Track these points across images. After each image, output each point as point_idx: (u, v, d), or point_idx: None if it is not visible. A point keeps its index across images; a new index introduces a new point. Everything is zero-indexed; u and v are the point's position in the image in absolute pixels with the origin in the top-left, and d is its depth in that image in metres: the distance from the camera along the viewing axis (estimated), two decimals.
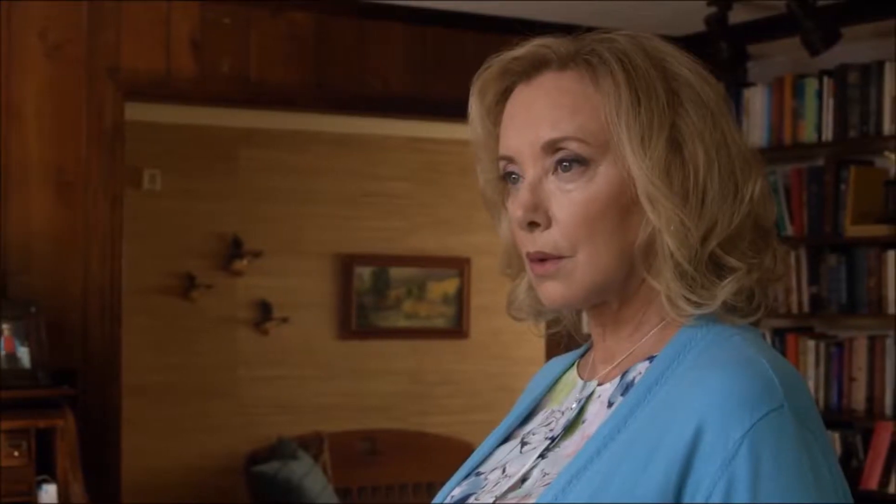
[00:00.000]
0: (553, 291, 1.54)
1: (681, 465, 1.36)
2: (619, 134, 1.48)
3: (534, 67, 1.58)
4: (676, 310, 1.49)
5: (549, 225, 1.51)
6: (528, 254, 1.54)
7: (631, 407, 1.46)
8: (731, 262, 1.48)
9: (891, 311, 5.62)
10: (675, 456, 1.36)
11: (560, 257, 1.51)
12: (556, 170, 1.51)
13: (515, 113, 1.56)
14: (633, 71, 1.51)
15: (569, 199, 1.50)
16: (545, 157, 1.52)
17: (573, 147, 1.50)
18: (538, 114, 1.53)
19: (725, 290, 1.47)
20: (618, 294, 1.54)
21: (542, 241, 1.52)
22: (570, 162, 1.50)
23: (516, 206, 1.53)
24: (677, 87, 1.51)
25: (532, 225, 1.52)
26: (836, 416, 5.81)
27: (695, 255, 1.47)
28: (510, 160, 1.55)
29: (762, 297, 1.51)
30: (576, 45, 1.58)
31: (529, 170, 1.53)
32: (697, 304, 1.48)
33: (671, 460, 1.36)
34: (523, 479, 1.54)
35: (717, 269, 1.48)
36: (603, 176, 1.49)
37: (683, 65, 1.53)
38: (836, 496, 1.38)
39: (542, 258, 1.52)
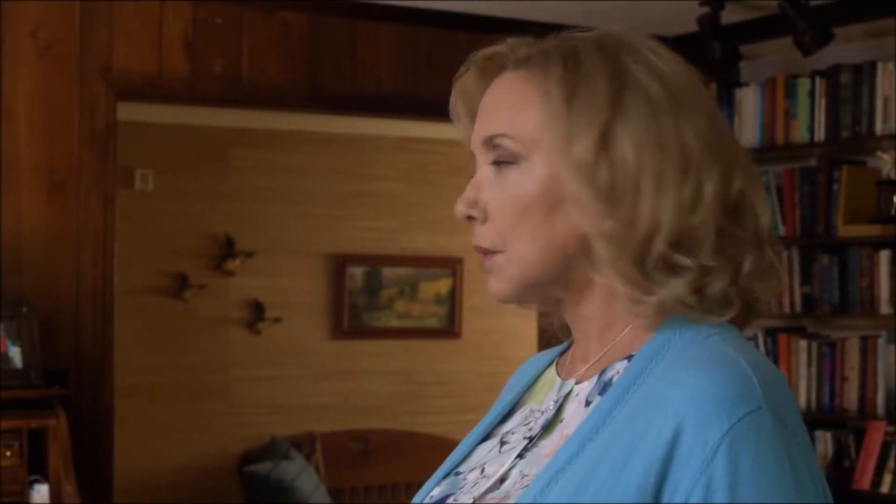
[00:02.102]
0: (491, 286, 1.58)
1: (659, 466, 1.36)
2: (546, 132, 1.49)
3: (499, 66, 1.59)
4: (622, 307, 1.49)
5: (485, 220, 1.55)
6: (474, 247, 1.58)
7: (609, 407, 1.45)
8: (682, 261, 1.46)
9: (883, 310, 5.63)
10: (653, 457, 1.36)
11: (494, 252, 1.55)
12: (494, 165, 1.54)
13: (479, 110, 1.58)
14: (574, 70, 1.51)
15: (499, 194, 1.53)
16: (487, 153, 1.55)
17: (504, 143, 1.52)
18: (485, 111, 1.56)
19: (669, 289, 1.46)
20: (564, 289, 1.55)
21: (479, 235, 1.57)
22: (504, 158, 1.52)
23: (457, 201, 1.56)
24: (622, 85, 1.49)
25: (470, 219, 1.56)
26: (828, 416, 5.82)
27: (634, 254, 1.46)
28: (472, 155, 1.58)
29: (740, 296, 1.49)
30: (536, 46, 1.59)
31: (480, 166, 1.56)
32: (637, 302, 1.47)
33: (650, 461, 1.36)
34: (502, 480, 1.54)
35: (670, 269, 1.46)
36: (530, 173, 1.50)
37: (641, 61, 1.52)
38: (817, 497, 1.38)
39: (482, 252, 1.57)
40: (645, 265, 1.46)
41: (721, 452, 1.34)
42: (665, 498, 1.36)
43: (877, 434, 5.59)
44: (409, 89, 5.87)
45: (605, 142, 1.47)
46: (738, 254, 1.49)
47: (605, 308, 1.54)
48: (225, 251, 8.88)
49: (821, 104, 5.84)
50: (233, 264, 8.88)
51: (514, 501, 1.46)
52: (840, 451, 5.76)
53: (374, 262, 9.55)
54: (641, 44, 1.55)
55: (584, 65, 1.51)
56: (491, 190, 1.54)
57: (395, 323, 9.68)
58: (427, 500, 1.62)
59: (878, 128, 5.61)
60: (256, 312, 8.90)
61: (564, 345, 1.72)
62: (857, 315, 5.79)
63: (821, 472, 1.41)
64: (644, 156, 1.47)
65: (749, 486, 1.34)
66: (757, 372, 1.39)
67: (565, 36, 1.60)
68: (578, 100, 1.48)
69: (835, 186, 5.81)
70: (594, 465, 1.40)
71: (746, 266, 1.49)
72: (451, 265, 9.78)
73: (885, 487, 5.55)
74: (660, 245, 1.46)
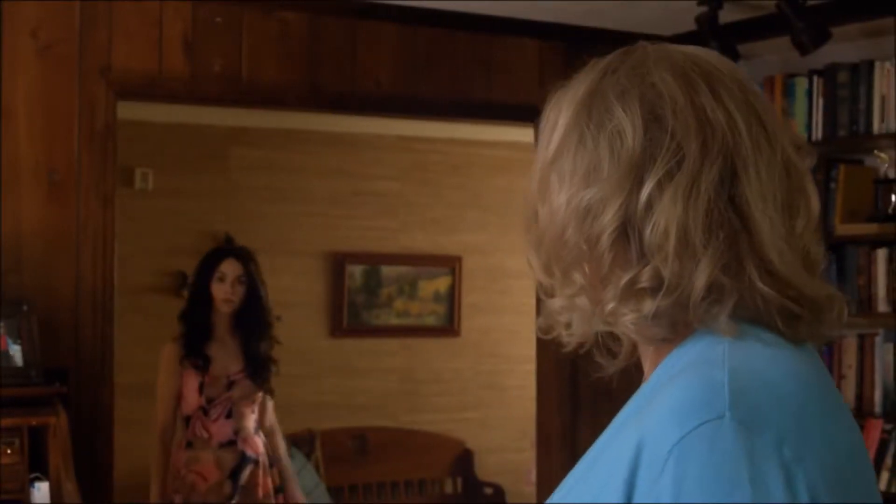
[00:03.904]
0: None
1: (627, 481, 1.33)
2: None
3: None
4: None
5: None
6: None
7: (620, 420, 1.46)
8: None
9: (880, 309, 5.65)
10: (623, 472, 1.34)
11: None
12: None
13: None
14: (546, 120, 1.56)
15: None
16: None
17: None
18: None
19: (624, 317, 1.46)
20: None
21: None
22: None
23: None
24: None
25: None
26: None
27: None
28: None
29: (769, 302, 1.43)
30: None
31: None
32: (608, 325, 1.50)
33: (622, 477, 1.34)
34: None
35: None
36: None
37: (569, 100, 1.56)
38: None
39: None
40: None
41: (669, 465, 1.29)
42: None
43: (874, 432, 5.61)
44: (409, 89, 5.89)
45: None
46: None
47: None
48: None
49: (818, 103, 5.85)
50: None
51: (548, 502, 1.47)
52: None
53: (374, 261, 9.57)
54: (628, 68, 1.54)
55: (548, 115, 1.59)
56: None
57: (394, 321, 9.70)
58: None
59: (876, 127, 5.62)
60: None
61: None
62: (854, 314, 5.80)
63: (818, 479, 1.31)
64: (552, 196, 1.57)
65: (693, 496, 1.27)
66: (737, 379, 1.33)
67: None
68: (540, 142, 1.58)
69: (832, 185, 5.82)
70: (585, 473, 1.42)
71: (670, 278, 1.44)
72: (450, 264, 9.79)
73: (882, 485, 5.57)
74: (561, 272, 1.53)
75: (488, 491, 9.53)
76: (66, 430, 4.72)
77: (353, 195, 9.44)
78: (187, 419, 5.78)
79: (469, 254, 9.83)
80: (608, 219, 1.42)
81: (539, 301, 1.54)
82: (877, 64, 5.64)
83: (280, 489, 5.95)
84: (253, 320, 5.94)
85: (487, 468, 9.73)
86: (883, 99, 5.60)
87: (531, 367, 6.54)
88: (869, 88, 5.66)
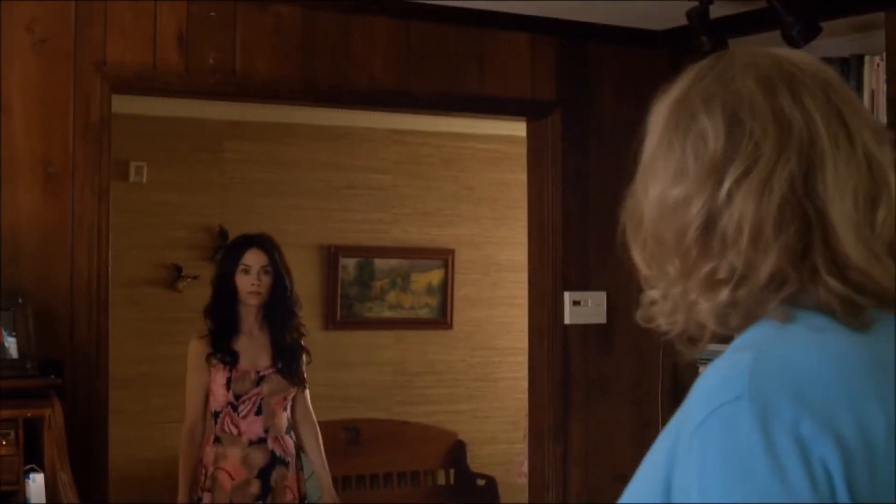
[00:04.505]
0: None
1: (666, 466, 1.44)
2: None
3: None
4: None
5: None
6: None
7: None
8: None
9: None
10: (665, 457, 1.45)
11: None
12: None
13: None
14: (647, 125, 1.70)
15: None
16: None
17: None
18: None
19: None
20: None
21: None
22: None
23: None
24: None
25: None
26: None
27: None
28: None
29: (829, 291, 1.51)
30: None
31: None
32: (691, 314, 1.61)
33: (663, 463, 1.45)
34: None
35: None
36: None
37: (662, 107, 1.66)
38: (797, 483, 1.35)
39: None
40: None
41: (693, 445, 1.40)
42: (673, 496, 1.43)
43: None
44: (402, 83, 5.91)
45: None
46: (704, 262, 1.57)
47: None
48: (219, 242, 8.90)
49: None
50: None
51: None
52: None
53: (367, 254, 9.59)
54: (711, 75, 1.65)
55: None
56: None
57: (387, 313, 9.73)
58: None
59: None
60: None
61: None
62: None
63: (828, 460, 1.37)
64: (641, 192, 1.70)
65: (714, 476, 1.37)
66: (760, 361, 1.43)
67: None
68: None
69: None
70: (644, 463, 1.52)
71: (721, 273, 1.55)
72: (443, 256, 9.82)
73: None
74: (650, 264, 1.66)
75: (481, 482, 9.57)
76: (62, 422, 4.73)
77: (347, 188, 9.47)
78: (216, 415, 5.71)
79: (462, 247, 9.86)
80: (692, 215, 1.53)
81: (641, 292, 1.66)
82: (867, 58, 5.66)
83: (305, 497, 5.86)
84: (281, 311, 5.84)
85: (480, 460, 9.77)
86: (872, 93, 5.63)
87: (523, 359, 6.57)
88: (859, 83, 5.68)
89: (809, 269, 1.50)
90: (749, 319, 1.53)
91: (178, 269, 8.85)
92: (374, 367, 9.54)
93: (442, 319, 9.89)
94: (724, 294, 1.51)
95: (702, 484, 1.38)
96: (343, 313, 9.47)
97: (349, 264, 9.53)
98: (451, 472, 9.71)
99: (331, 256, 9.38)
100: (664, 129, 1.61)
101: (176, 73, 5.44)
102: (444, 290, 9.88)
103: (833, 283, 1.49)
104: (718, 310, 1.53)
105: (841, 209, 1.49)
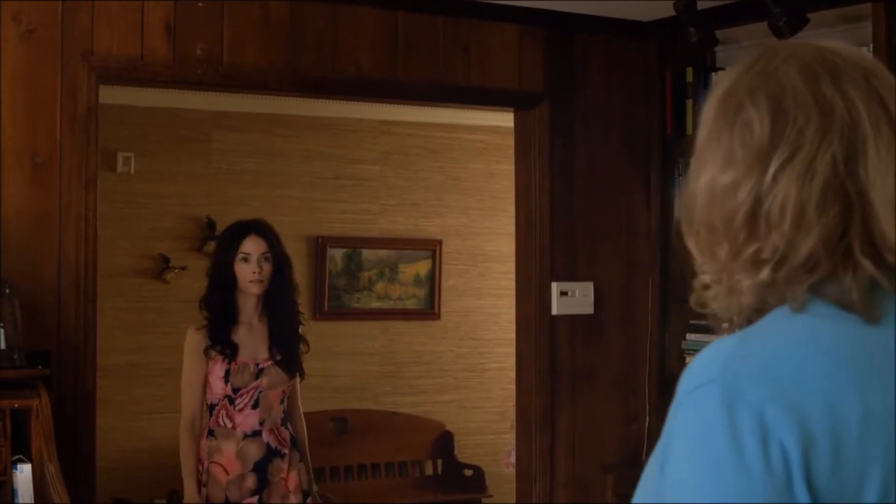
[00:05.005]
0: None
1: (665, 438, 1.53)
2: None
3: None
4: None
5: None
6: None
7: None
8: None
9: None
10: (665, 433, 1.53)
11: None
12: None
13: None
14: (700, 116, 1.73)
15: None
16: None
17: None
18: None
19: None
20: None
21: None
22: None
23: None
24: None
25: None
26: None
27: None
28: None
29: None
30: None
31: None
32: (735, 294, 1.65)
33: (663, 438, 1.54)
34: None
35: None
36: None
37: (712, 99, 1.69)
38: (754, 463, 1.42)
39: None
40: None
41: (670, 421, 1.50)
42: None
43: None
44: (389, 73, 5.91)
45: None
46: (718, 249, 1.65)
47: None
48: (206, 233, 8.91)
49: None
50: (214, 246, 8.91)
51: None
52: None
53: (354, 244, 9.60)
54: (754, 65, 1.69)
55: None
56: None
57: (374, 304, 9.74)
58: None
59: None
60: None
61: None
62: None
63: (789, 445, 1.43)
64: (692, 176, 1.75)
65: (680, 453, 1.47)
66: (738, 346, 1.51)
67: None
68: None
69: None
70: (649, 461, 1.59)
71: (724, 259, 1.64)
72: (431, 247, 9.83)
73: None
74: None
75: (468, 472, 9.57)
76: (49, 412, 4.74)
77: (334, 179, 9.47)
78: (211, 407, 5.59)
79: (449, 237, 9.87)
80: (740, 200, 1.59)
81: (695, 277, 1.70)
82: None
83: (308, 493, 5.75)
84: (281, 301, 5.70)
85: (467, 450, 9.78)
86: None
87: (511, 349, 6.58)
88: None
89: (844, 249, 1.55)
90: (781, 303, 1.59)
91: (166, 260, 8.85)
92: (362, 357, 9.54)
93: (429, 310, 9.90)
94: (764, 273, 1.57)
95: (670, 458, 1.48)
96: (331, 304, 9.48)
97: (337, 255, 9.54)
98: (439, 462, 9.72)
99: (319, 247, 9.38)
100: (713, 122, 1.66)
101: (163, 64, 5.44)
102: (432, 281, 9.88)
103: (866, 263, 1.54)
104: (758, 289, 1.58)
105: (882, 190, 1.55)
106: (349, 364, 9.50)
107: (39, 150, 5.16)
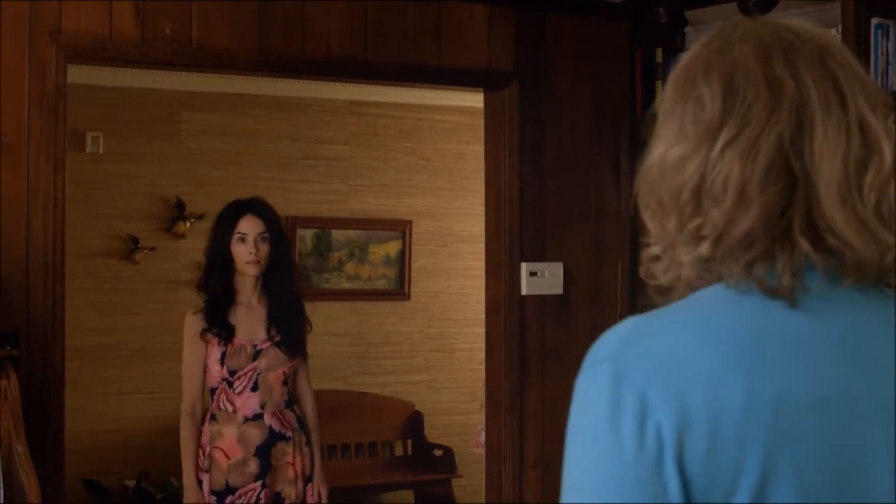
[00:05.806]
0: None
1: None
2: None
3: None
4: None
5: None
6: None
7: None
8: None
9: None
10: None
11: None
12: None
13: None
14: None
15: None
16: None
17: None
18: None
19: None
20: None
21: None
22: None
23: None
24: None
25: None
26: None
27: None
28: None
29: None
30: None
31: None
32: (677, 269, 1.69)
33: None
34: None
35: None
36: None
37: (672, 74, 1.73)
38: (628, 440, 1.48)
39: None
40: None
41: (572, 395, 1.56)
42: None
43: None
44: (359, 53, 5.90)
45: None
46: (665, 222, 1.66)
47: None
48: (175, 214, 8.90)
49: None
50: (183, 227, 8.91)
51: None
52: None
53: (324, 225, 9.60)
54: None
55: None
56: None
57: (344, 285, 9.74)
58: None
59: None
60: None
61: None
62: None
63: (664, 427, 1.47)
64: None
65: (573, 420, 1.54)
66: (636, 328, 1.56)
67: None
68: None
69: None
70: None
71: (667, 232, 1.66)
72: (401, 227, 9.84)
73: None
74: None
75: (438, 453, 9.60)
76: (17, 393, 4.73)
77: (304, 159, 9.47)
78: (212, 391, 5.51)
79: (419, 218, 9.87)
80: (688, 175, 1.60)
81: (642, 248, 1.72)
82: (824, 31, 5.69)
83: (310, 479, 5.65)
84: (281, 281, 5.60)
85: (437, 430, 9.80)
86: None
87: (480, 330, 6.59)
88: None
89: (783, 228, 1.55)
90: (718, 280, 1.60)
91: (135, 241, 8.83)
92: (332, 338, 9.54)
93: (399, 290, 9.91)
94: (703, 248, 1.58)
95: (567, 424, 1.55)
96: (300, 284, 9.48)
97: (307, 235, 9.54)
98: (409, 442, 9.74)
99: (288, 228, 9.35)
100: (669, 97, 1.69)
101: (132, 43, 5.42)
102: (402, 262, 9.89)
103: (803, 242, 1.55)
104: (697, 264, 1.60)
105: (827, 171, 1.55)
106: (319, 345, 9.44)
107: (7, 130, 5.14)
